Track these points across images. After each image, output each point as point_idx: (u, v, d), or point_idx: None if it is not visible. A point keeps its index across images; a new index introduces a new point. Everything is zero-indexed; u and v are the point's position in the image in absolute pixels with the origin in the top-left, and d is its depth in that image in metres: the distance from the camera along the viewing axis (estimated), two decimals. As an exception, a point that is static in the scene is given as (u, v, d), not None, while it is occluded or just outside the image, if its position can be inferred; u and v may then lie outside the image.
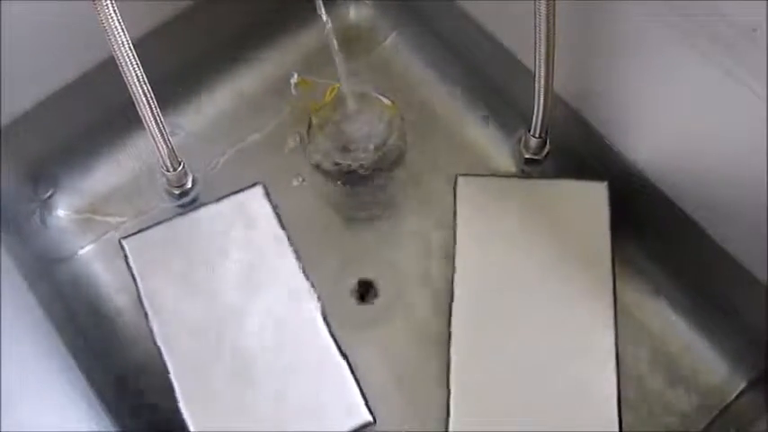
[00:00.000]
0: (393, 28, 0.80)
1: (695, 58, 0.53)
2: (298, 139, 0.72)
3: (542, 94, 0.61)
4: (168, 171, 0.65)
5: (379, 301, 0.67)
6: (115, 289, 0.68)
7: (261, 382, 0.58)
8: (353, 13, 0.80)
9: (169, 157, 0.64)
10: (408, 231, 0.70)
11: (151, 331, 0.60)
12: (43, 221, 0.70)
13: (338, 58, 0.64)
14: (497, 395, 0.58)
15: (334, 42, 0.62)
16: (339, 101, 0.68)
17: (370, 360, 0.64)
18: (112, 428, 0.57)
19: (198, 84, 0.75)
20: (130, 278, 0.62)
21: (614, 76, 0.62)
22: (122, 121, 0.69)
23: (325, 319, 0.61)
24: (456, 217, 0.64)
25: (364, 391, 0.58)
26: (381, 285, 0.68)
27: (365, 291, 0.68)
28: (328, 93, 0.68)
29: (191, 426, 0.57)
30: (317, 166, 0.70)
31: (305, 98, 0.69)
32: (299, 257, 0.63)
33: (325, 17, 0.60)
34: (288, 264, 0.63)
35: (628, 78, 0.61)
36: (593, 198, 0.64)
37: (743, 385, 0.64)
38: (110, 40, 0.54)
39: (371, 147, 0.67)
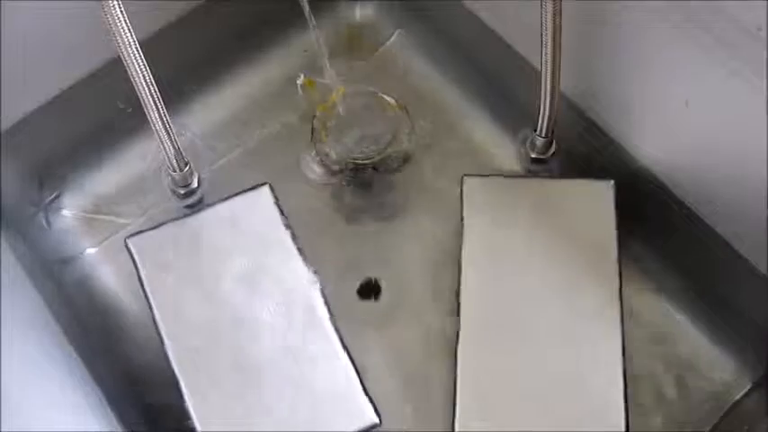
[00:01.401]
0: (397, 27, 0.80)
1: (700, 57, 0.53)
2: (304, 139, 0.72)
3: (549, 93, 0.61)
4: (174, 171, 0.65)
5: (384, 302, 0.67)
6: (121, 289, 0.68)
7: (266, 382, 0.58)
8: (358, 13, 0.80)
9: (175, 158, 0.64)
10: (414, 231, 0.70)
11: (157, 331, 0.60)
12: (49, 222, 0.71)
13: (326, 63, 0.64)
14: (504, 397, 0.58)
15: (323, 47, 0.63)
16: (345, 101, 0.68)
17: (375, 360, 0.64)
18: (119, 428, 0.57)
19: (204, 84, 0.75)
20: (136, 278, 0.62)
21: (620, 76, 0.62)
22: (128, 121, 0.69)
23: (330, 318, 0.61)
24: (462, 216, 0.64)
25: (369, 391, 0.58)
26: (387, 285, 0.68)
27: (371, 291, 0.68)
28: (334, 93, 0.68)
29: (197, 425, 0.57)
30: (323, 166, 0.70)
31: (311, 99, 0.69)
32: (304, 257, 0.63)
33: (312, 23, 0.61)
34: (293, 264, 0.63)
35: (633, 77, 0.61)
36: (599, 197, 0.64)
37: (748, 385, 0.64)
38: (116, 40, 0.54)
39: (377, 146, 0.67)
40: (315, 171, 0.71)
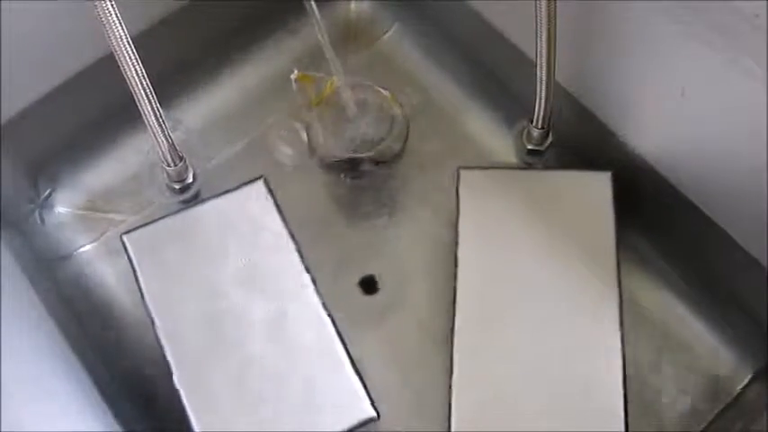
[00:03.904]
0: (394, 21, 0.79)
1: (697, 45, 0.53)
2: (299, 133, 0.72)
3: (544, 84, 0.60)
4: (169, 166, 0.65)
5: (381, 296, 0.67)
6: (117, 286, 0.68)
7: (263, 377, 0.58)
8: (354, 7, 0.80)
9: (170, 152, 0.64)
10: (411, 225, 0.70)
11: (153, 328, 0.60)
12: (44, 219, 0.70)
13: (331, 56, 0.64)
14: (500, 392, 0.58)
15: (327, 41, 0.62)
16: (340, 95, 0.67)
17: (372, 355, 0.64)
18: (116, 427, 0.57)
19: (199, 79, 0.75)
20: (132, 274, 0.62)
21: (616, 65, 0.61)
22: (122, 117, 0.68)
23: (327, 314, 0.60)
24: (459, 209, 0.64)
25: (367, 385, 0.58)
26: (384, 280, 0.68)
27: (368, 285, 0.68)
28: (328, 87, 0.67)
29: (194, 425, 0.57)
30: (319, 161, 0.69)
31: (305, 93, 0.69)
32: (300, 252, 0.62)
33: (316, 18, 0.60)
34: (290, 259, 0.62)
35: (630, 67, 0.60)
36: (597, 188, 0.64)
37: (749, 376, 0.64)
38: (108, 35, 0.53)
39: (373, 140, 0.67)
40: (311, 164, 0.70)
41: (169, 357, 0.59)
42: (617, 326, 0.59)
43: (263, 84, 0.76)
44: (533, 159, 0.69)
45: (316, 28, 0.62)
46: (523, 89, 0.64)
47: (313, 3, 0.61)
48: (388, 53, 0.78)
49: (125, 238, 0.63)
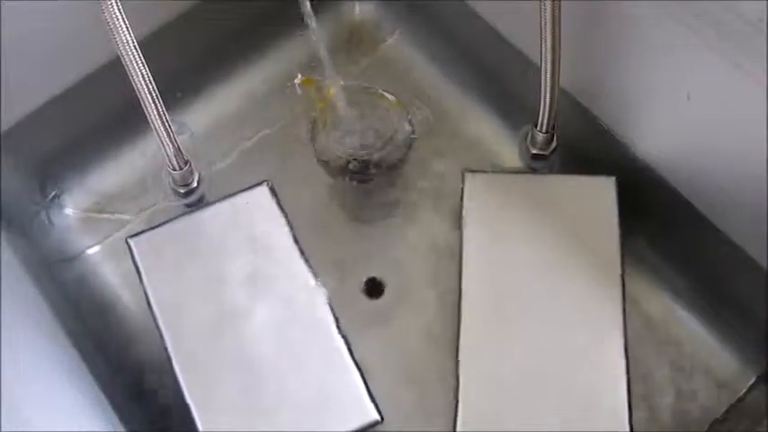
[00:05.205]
0: (398, 25, 0.79)
1: (702, 49, 0.53)
2: (303, 137, 0.72)
3: (548, 89, 0.60)
4: (174, 170, 0.65)
5: (386, 299, 0.67)
6: (122, 288, 0.68)
7: (268, 380, 0.58)
8: (358, 11, 0.80)
9: (175, 156, 0.64)
10: (415, 228, 0.70)
11: (158, 331, 0.60)
12: (50, 221, 0.71)
13: (325, 59, 0.64)
14: (505, 396, 0.58)
15: (323, 43, 0.63)
16: (344, 99, 0.68)
17: (377, 358, 0.64)
18: (120, 428, 0.57)
19: (203, 83, 0.76)
20: (137, 277, 0.62)
21: (621, 70, 0.62)
22: (128, 120, 0.69)
23: (332, 316, 0.60)
24: (463, 213, 0.64)
25: (371, 388, 0.58)
26: (389, 283, 0.68)
27: (373, 288, 0.68)
28: (332, 90, 0.68)
29: (199, 425, 0.57)
30: (323, 164, 0.70)
31: (310, 97, 0.69)
32: (305, 256, 0.63)
33: (313, 23, 0.60)
34: (294, 262, 0.62)
35: (634, 72, 0.60)
36: (601, 193, 0.64)
37: (752, 379, 0.64)
38: (115, 39, 0.54)
39: (377, 144, 0.67)
40: (315, 168, 0.70)
41: (173, 359, 0.59)
42: (621, 329, 0.59)
43: (268, 88, 0.76)
44: (538, 164, 0.69)
45: (310, 30, 0.62)
46: (528, 93, 0.64)
47: (308, 5, 0.61)
48: (393, 57, 0.78)
49: (130, 241, 0.63)
